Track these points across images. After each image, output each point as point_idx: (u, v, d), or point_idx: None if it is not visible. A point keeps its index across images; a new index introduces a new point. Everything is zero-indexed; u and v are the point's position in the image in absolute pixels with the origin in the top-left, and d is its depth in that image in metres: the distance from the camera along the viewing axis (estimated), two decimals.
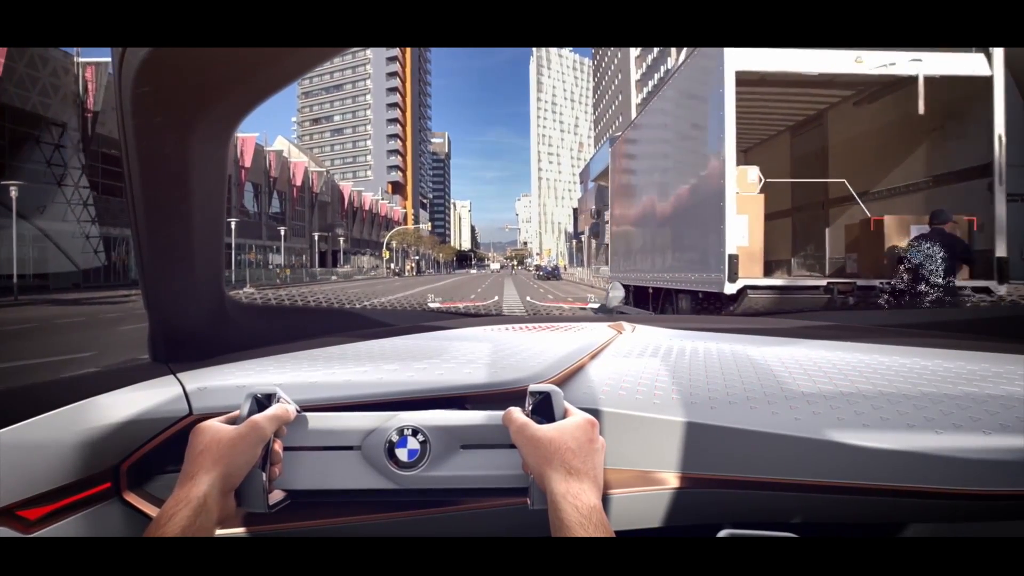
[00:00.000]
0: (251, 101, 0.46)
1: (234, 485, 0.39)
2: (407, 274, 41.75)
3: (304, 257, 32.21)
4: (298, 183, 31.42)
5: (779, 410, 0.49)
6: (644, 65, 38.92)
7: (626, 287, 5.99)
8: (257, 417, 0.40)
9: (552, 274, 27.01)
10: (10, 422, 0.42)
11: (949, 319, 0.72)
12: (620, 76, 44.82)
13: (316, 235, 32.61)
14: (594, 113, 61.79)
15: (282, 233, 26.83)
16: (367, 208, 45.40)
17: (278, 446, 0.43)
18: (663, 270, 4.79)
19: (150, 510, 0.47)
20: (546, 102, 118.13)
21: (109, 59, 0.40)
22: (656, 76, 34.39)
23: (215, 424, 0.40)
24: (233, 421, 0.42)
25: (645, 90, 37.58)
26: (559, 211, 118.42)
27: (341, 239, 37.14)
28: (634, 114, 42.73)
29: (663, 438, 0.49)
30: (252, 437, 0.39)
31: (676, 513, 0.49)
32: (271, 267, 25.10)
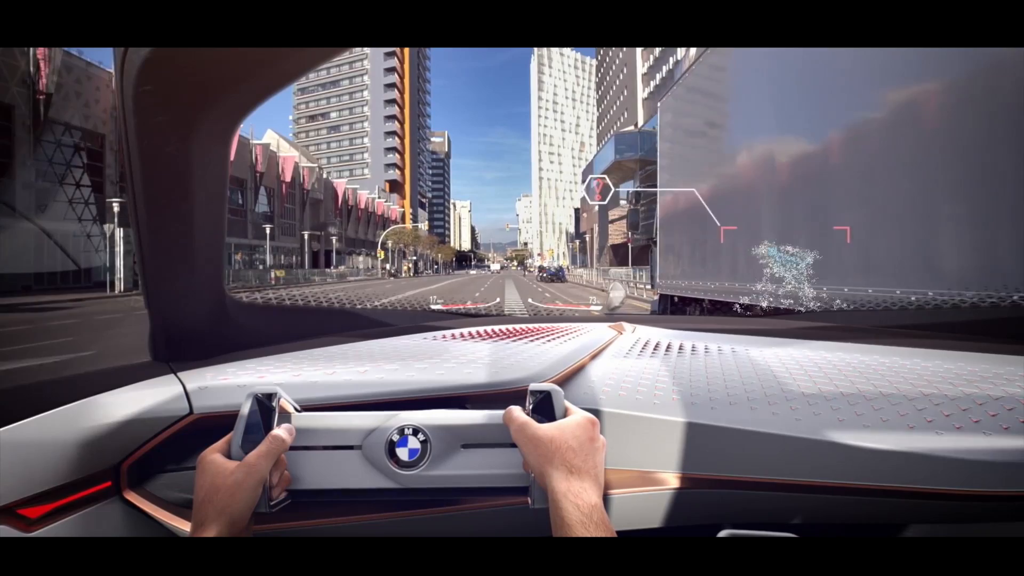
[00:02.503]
0: (252, 101, 0.46)
1: (243, 525, 0.38)
2: (404, 275, 41.22)
3: (295, 257, 30.98)
4: (287, 179, 30.11)
5: (779, 410, 0.49)
6: (651, 58, 37.00)
7: (685, 301, 3.92)
8: (252, 459, 0.39)
9: (556, 276, 26.81)
10: (11, 420, 0.42)
11: (949, 320, 0.71)
12: (625, 70, 42.90)
13: (306, 234, 31.21)
14: (598, 109, 60.05)
15: (267, 231, 25.48)
16: (363, 206, 44.03)
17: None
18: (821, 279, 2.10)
19: (150, 509, 0.47)
20: (547, 101, 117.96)
21: None
22: (664, 68, 32.81)
23: (216, 463, 0.40)
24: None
25: (652, 83, 35.87)
26: (560, 211, 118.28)
27: (334, 238, 35.74)
28: (641, 110, 39.05)
29: (663, 438, 0.49)
30: (250, 482, 0.38)
31: (676, 513, 0.49)
32: (258, 267, 24.09)
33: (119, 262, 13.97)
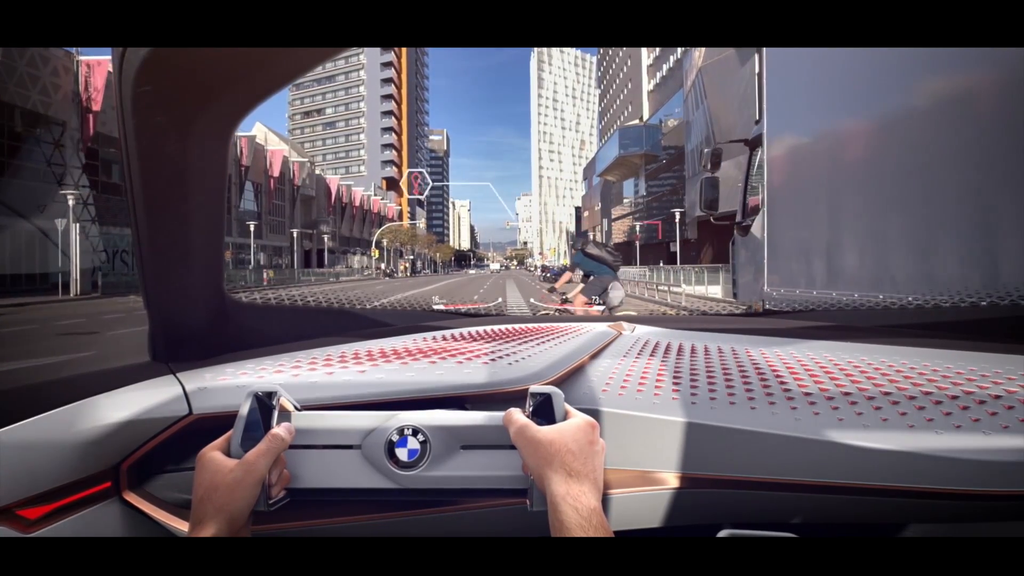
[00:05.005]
0: (251, 100, 0.46)
1: (241, 523, 0.38)
2: (400, 275, 38.85)
3: (285, 257, 29.39)
4: (275, 174, 28.61)
5: (779, 410, 0.49)
6: (657, 49, 35.37)
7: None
8: (251, 457, 0.39)
9: (561, 276, 26.51)
10: (10, 421, 0.42)
11: (949, 319, 0.71)
12: (629, 62, 41.76)
13: (295, 232, 29.26)
14: (600, 104, 57.81)
15: (251, 229, 23.70)
16: (357, 204, 42.21)
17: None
18: None
19: (150, 510, 0.47)
20: (547, 99, 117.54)
21: None
22: (671, 59, 31.81)
23: (215, 460, 0.39)
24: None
25: (659, 75, 34.84)
26: (560, 210, 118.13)
27: (326, 237, 33.94)
28: (646, 102, 37.52)
29: (663, 438, 0.49)
30: (249, 480, 0.38)
31: (676, 513, 0.49)
32: (247, 268, 22.97)
33: (74, 262, 12.49)
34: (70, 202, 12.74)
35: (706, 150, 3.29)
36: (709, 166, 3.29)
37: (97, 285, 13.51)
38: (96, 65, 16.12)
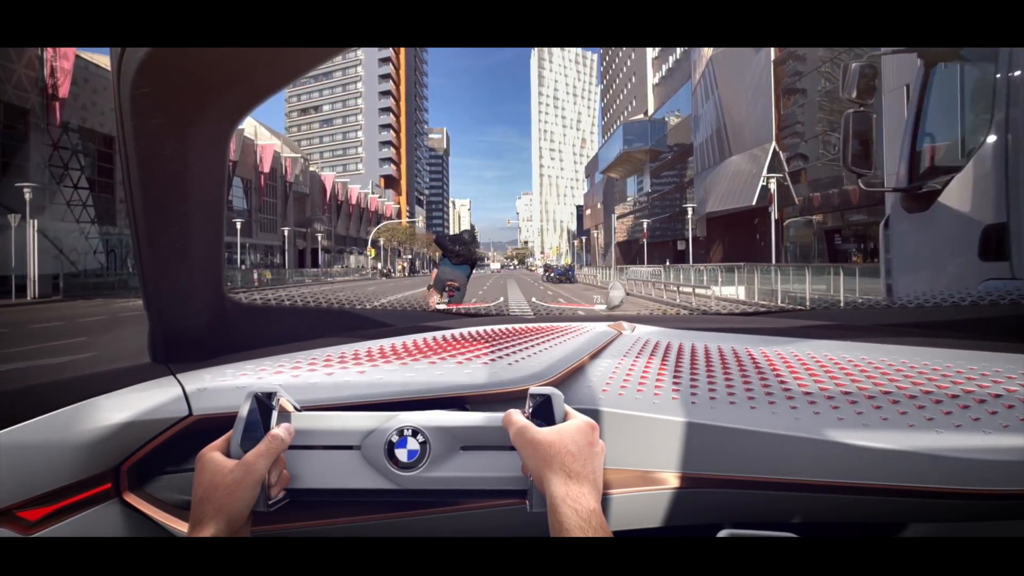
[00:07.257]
0: (250, 100, 0.46)
1: (241, 524, 0.39)
2: (397, 275, 37.72)
3: (277, 256, 28.29)
4: (266, 169, 27.28)
5: (779, 410, 0.49)
6: None
7: None
8: (251, 457, 0.39)
9: (565, 275, 25.58)
10: (10, 423, 0.42)
11: (949, 318, 0.71)
12: (634, 56, 40.92)
13: (286, 230, 28.08)
14: (603, 100, 56.74)
15: (238, 227, 22.75)
16: (354, 202, 40.83)
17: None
18: None
19: (150, 511, 0.47)
20: (548, 97, 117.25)
21: None
22: (678, 51, 31.03)
23: (214, 461, 0.39)
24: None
25: (664, 67, 34.09)
26: (561, 209, 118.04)
27: (320, 235, 32.49)
28: (651, 96, 37.00)
29: (663, 438, 0.49)
30: (248, 480, 0.38)
31: (676, 513, 0.49)
32: (241, 268, 22.18)
33: (32, 262, 11.30)
34: (27, 196, 11.43)
35: (854, 64, 1.66)
36: (854, 93, 1.68)
37: (59, 287, 12.33)
38: (64, 49, 14.30)
